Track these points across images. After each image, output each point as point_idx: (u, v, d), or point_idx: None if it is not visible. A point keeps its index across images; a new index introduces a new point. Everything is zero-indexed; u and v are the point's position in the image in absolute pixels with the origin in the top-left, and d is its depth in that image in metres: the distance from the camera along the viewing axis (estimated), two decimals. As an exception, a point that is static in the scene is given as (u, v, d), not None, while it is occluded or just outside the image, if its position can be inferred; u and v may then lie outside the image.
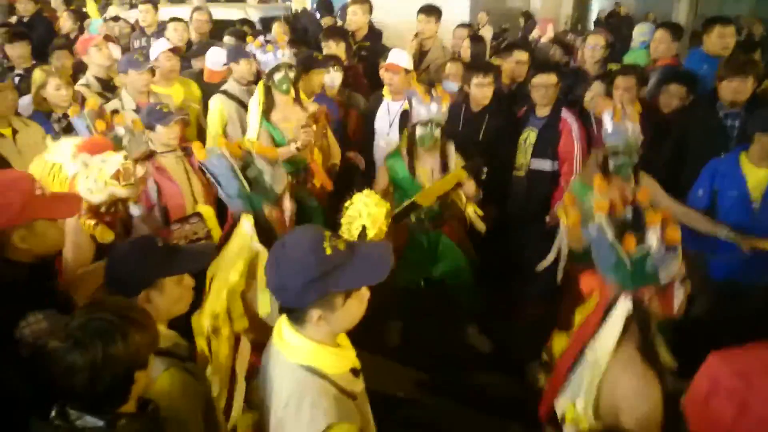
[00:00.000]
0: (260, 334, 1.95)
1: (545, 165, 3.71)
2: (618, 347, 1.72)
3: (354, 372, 1.57)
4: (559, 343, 2.08)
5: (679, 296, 1.72)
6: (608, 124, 2.85)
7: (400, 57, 3.88)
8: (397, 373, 3.45)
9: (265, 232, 2.12)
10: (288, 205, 2.19)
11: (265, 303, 2.04)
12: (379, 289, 1.52)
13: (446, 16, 5.32)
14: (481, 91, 3.80)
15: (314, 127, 3.46)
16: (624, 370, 1.68)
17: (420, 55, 4.68)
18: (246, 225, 2.11)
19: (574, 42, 5.09)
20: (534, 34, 5.15)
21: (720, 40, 3.95)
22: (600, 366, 1.72)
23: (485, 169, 3.72)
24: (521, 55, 4.18)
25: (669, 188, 3.49)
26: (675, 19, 6.50)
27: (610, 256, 1.72)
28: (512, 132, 3.82)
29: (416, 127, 3.22)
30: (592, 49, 4.31)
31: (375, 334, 3.47)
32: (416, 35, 4.92)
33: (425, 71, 4.61)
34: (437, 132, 3.22)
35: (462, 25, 4.83)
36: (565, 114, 3.69)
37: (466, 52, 4.58)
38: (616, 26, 5.66)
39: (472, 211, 3.33)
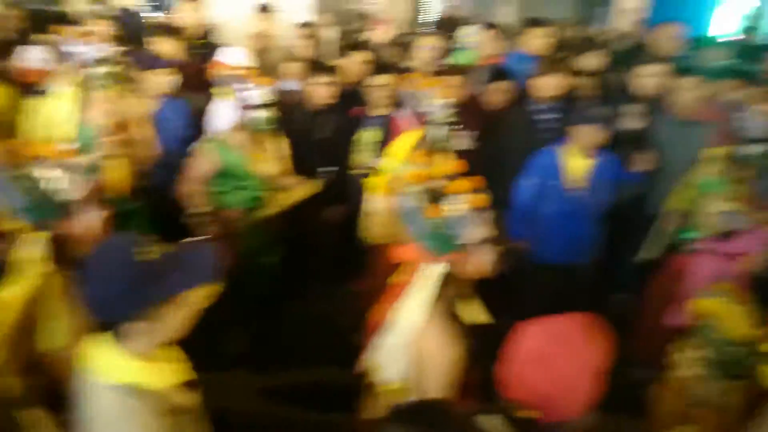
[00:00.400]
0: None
1: (388, 164, 3.81)
2: (427, 310, 1.78)
3: (185, 385, 1.49)
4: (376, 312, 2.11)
5: (486, 257, 1.82)
6: (432, 101, 3.02)
7: (234, 55, 3.78)
8: (241, 382, 3.33)
9: (60, 248, 1.89)
10: (90, 215, 1.97)
11: (56, 334, 1.82)
12: (220, 293, 1.46)
13: (288, 15, 5.29)
14: (321, 90, 3.81)
15: (119, 135, 3.26)
16: (430, 333, 1.75)
17: (259, 54, 4.59)
18: (30, 243, 1.84)
19: (411, 43, 5.26)
20: (372, 34, 5.25)
21: (537, 41, 4.29)
22: (409, 329, 1.77)
23: (334, 168, 3.78)
24: (362, 56, 4.25)
25: (495, 181, 3.76)
26: (501, 21, 6.97)
27: (419, 222, 1.79)
28: (353, 131, 3.88)
29: (252, 112, 3.17)
30: (425, 49, 4.47)
31: (218, 341, 3.36)
32: (253, 34, 4.83)
33: (264, 70, 4.53)
34: (274, 114, 3.21)
35: (301, 24, 4.80)
36: (396, 113, 3.81)
37: (306, 50, 4.57)
38: (451, 29, 5.92)
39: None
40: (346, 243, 3.86)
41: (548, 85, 3.60)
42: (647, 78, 3.81)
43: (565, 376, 1.30)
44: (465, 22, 5.48)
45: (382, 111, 3.83)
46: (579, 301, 3.61)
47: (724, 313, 2.45)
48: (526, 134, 3.70)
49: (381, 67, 3.98)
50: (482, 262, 1.81)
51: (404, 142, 3.26)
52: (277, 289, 3.64)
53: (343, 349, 3.54)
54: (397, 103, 3.81)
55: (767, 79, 4.17)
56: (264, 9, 4.93)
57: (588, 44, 4.64)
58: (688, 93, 3.61)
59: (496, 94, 3.85)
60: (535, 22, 4.46)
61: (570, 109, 3.69)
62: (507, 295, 3.58)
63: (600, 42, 5.10)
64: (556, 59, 3.71)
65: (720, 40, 5.16)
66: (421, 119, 3.40)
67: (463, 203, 1.75)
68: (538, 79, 3.64)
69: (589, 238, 3.58)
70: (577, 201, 3.43)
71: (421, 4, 12.86)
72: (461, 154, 3.59)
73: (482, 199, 1.78)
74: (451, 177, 1.81)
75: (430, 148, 3.14)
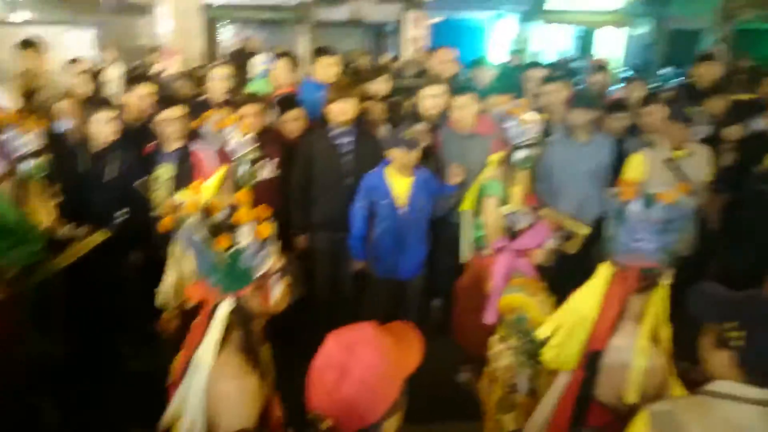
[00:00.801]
0: None
1: (190, 199, 3.65)
2: (219, 351, 1.71)
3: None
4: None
5: (276, 290, 1.78)
6: (233, 137, 2.96)
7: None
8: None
9: None
10: None
11: None
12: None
13: (69, 53, 4.90)
14: (104, 127, 3.54)
15: None
16: (222, 375, 1.68)
17: (29, 94, 4.15)
18: None
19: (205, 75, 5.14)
20: (157, 67, 5.03)
21: (326, 69, 4.42)
22: (202, 374, 1.69)
23: (125, 210, 3.52)
24: (146, 89, 4.04)
25: (304, 206, 3.79)
26: (296, 51, 7.14)
27: (206, 258, 1.71)
28: (145, 169, 3.66)
29: (20, 160, 2.85)
30: (217, 80, 4.40)
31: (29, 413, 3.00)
32: (20, 72, 4.37)
33: (37, 110, 4.10)
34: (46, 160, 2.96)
35: (72, 60, 4.44)
36: (196, 146, 3.68)
37: (82, 88, 4.23)
38: (244, 60, 5.91)
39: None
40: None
41: (340, 111, 3.70)
42: (429, 99, 4.10)
43: (354, 377, 1.32)
44: (258, 52, 5.48)
45: (177, 144, 3.66)
46: (410, 312, 3.82)
47: (525, 305, 2.68)
48: (329, 158, 3.78)
49: (170, 100, 3.80)
50: (271, 295, 1.78)
51: (209, 179, 3.14)
52: (81, 350, 3.29)
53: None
54: (193, 136, 3.67)
55: (531, 94, 4.72)
56: (28, 44, 4.48)
57: (377, 71, 4.90)
58: (465, 109, 3.94)
59: (289, 123, 3.88)
60: (323, 51, 4.60)
61: (363, 132, 3.85)
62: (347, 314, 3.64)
63: (390, 69, 5.42)
64: (345, 85, 3.83)
65: (491, 61, 5.72)
66: (224, 155, 3.33)
67: (248, 234, 1.70)
68: (330, 106, 3.73)
69: (420, 251, 3.78)
70: (406, 218, 3.62)
71: (217, 36, 12.80)
72: (265, 183, 3.58)
73: (266, 228, 1.74)
74: (235, 207, 1.74)
75: (235, 183, 3.07)
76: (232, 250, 1.68)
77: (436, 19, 14.32)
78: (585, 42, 14.08)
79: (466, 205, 3.58)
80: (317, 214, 3.84)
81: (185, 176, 3.60)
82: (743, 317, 1.53)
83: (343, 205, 3.69)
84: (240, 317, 1.75)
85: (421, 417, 1.59)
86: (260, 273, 1.73)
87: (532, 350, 2.64)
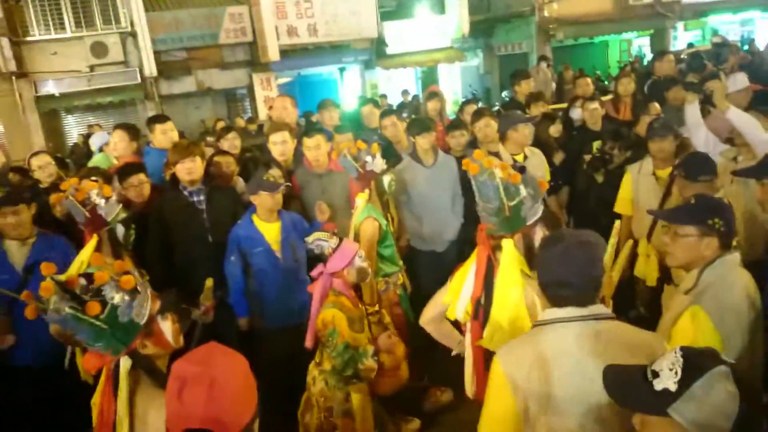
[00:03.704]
0: None
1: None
2: (136, 399, 1.72)
3: None
4: None
5: (166, 328, 1.81)
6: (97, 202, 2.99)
7: None
8: None
9: None
10: None
11: None
12: None
13: None
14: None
15: None
16: (158, 411, 1.64)
17: None
18: None
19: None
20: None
21: (162, 135, 4.44)
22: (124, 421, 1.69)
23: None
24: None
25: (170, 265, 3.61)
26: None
27: (84, 329, 1.68)
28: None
29: None
30: (36, 167, 4.47)
31: None
32: None
33: None
34: None
35: None
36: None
37: None
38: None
39: None
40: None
41: (186, 170, 3.62)
42: (277, 145, 4.18)
43: (231, 385, 1.33)
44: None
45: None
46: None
47: (335, 317, 2.75)
48: (185, 217, 3.67)
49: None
50: (165, 336, 1.80)
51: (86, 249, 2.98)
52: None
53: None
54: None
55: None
56: None
57: (226, 129, 5.03)
58: (317, 149, 4.04)
59: (132, 189, 3.76)
60: (156, 119, 4.66)
61: (214, 187, 3.79)
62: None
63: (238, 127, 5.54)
64: (185, 146, 3.76)
65: (337, 104, 5.90)
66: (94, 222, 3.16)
67: (116, 290, 1.69)
68: (176, 167, 3.66)
69: (305, 293, 3.54)
70: (283, 262, 3.55)
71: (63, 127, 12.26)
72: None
73: (130, 279, 1.72)
74: (90, 275, 1.71)
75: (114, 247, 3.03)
76: (107, 311, 1.67)
77: (287, 79, 14.67)
78: (429, 78, 15.05)
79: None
80: (182, 279, 3.59)
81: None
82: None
83: (210, 265, 3.53)
84: (143, 367, 1.74)
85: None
86: (143, 319, 1.73)
87: (343, 367, 2.69)
